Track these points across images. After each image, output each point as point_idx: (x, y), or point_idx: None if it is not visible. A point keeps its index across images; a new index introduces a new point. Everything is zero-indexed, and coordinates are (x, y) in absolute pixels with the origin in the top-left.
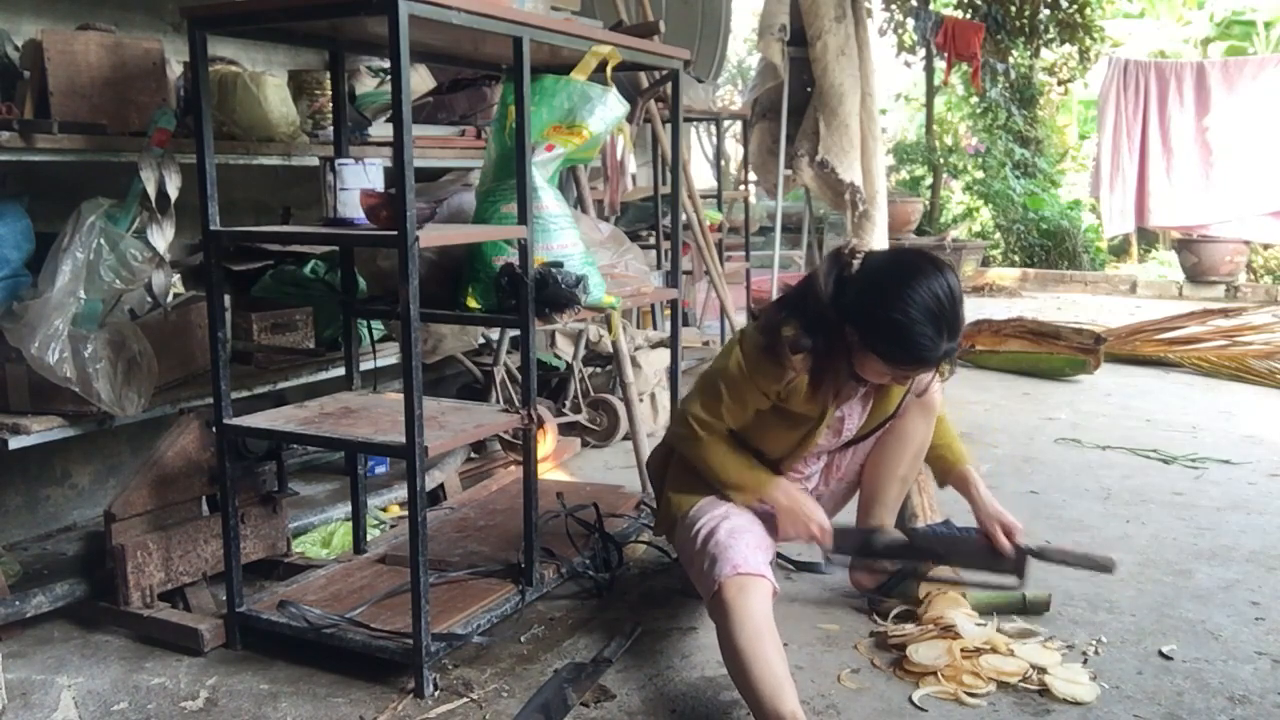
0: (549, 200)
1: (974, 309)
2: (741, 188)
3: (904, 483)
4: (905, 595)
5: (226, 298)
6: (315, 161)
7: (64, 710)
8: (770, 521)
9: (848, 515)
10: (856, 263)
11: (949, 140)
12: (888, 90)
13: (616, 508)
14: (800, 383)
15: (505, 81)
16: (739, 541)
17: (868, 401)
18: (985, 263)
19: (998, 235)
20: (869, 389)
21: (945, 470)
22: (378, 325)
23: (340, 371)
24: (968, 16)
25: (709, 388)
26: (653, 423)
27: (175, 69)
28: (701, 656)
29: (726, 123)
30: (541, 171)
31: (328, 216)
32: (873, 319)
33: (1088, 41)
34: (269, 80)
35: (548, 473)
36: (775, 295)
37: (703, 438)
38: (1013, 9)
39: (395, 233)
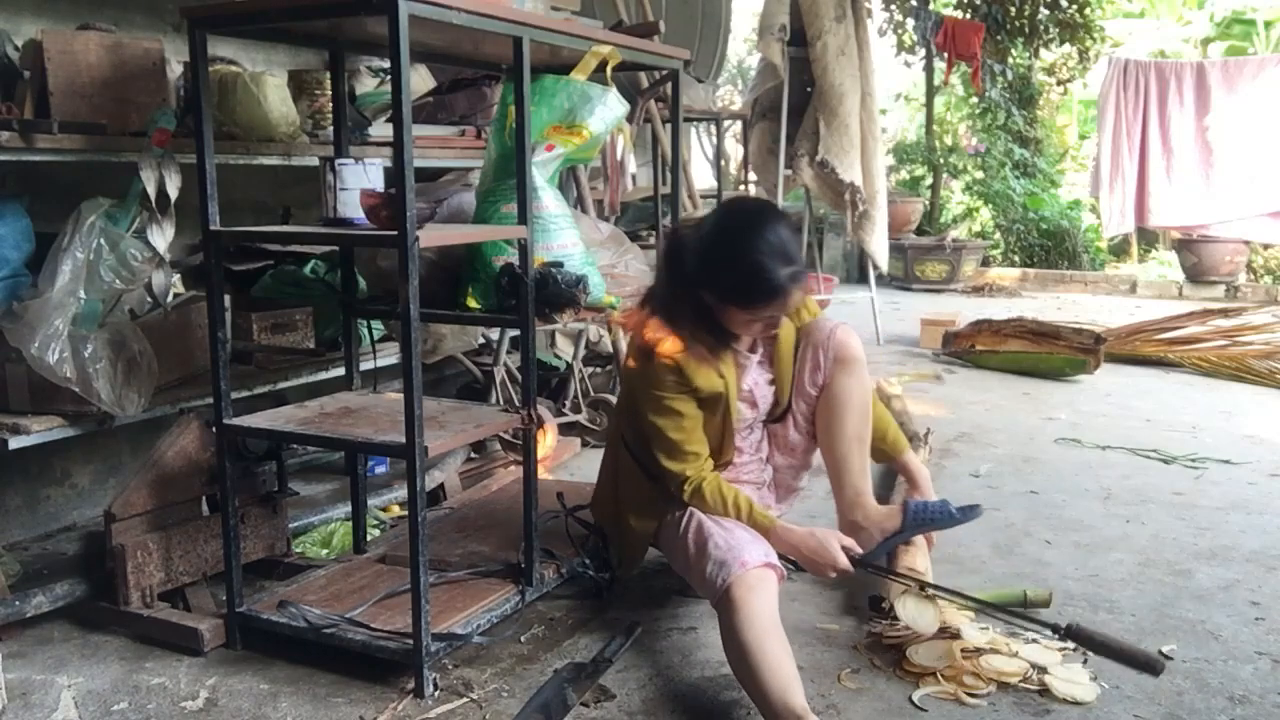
0: (549, 200)
1: (974, 309)
2: (741, 188)
3: (861, 442)
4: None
5: (226, 298)
6: (315, 161)
7: (64, 710)
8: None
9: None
10: (688, 233)
11: (949, 140)
12: (888, 90)
13: None
14: (688, 362)
15: (505, 81)
16: (736, 538)
17: (765, 369)
18: (985, 263)
19: (998, 235)
20: (762, 354)
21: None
22: (378, 325)
23: (340, 371)
24: (968, 16)
25: (651, 433)
26: None
27: (175, 69)
28: (701, 656)
29: (726, 123)
30: (541, 171)
31: (328, 216)
32: (714, 274)
33: (1088, 41)
34: (269, 80)
35: (548, 473)
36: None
37: (690, 475)
38: (1013, 9)
39: (395, 233)
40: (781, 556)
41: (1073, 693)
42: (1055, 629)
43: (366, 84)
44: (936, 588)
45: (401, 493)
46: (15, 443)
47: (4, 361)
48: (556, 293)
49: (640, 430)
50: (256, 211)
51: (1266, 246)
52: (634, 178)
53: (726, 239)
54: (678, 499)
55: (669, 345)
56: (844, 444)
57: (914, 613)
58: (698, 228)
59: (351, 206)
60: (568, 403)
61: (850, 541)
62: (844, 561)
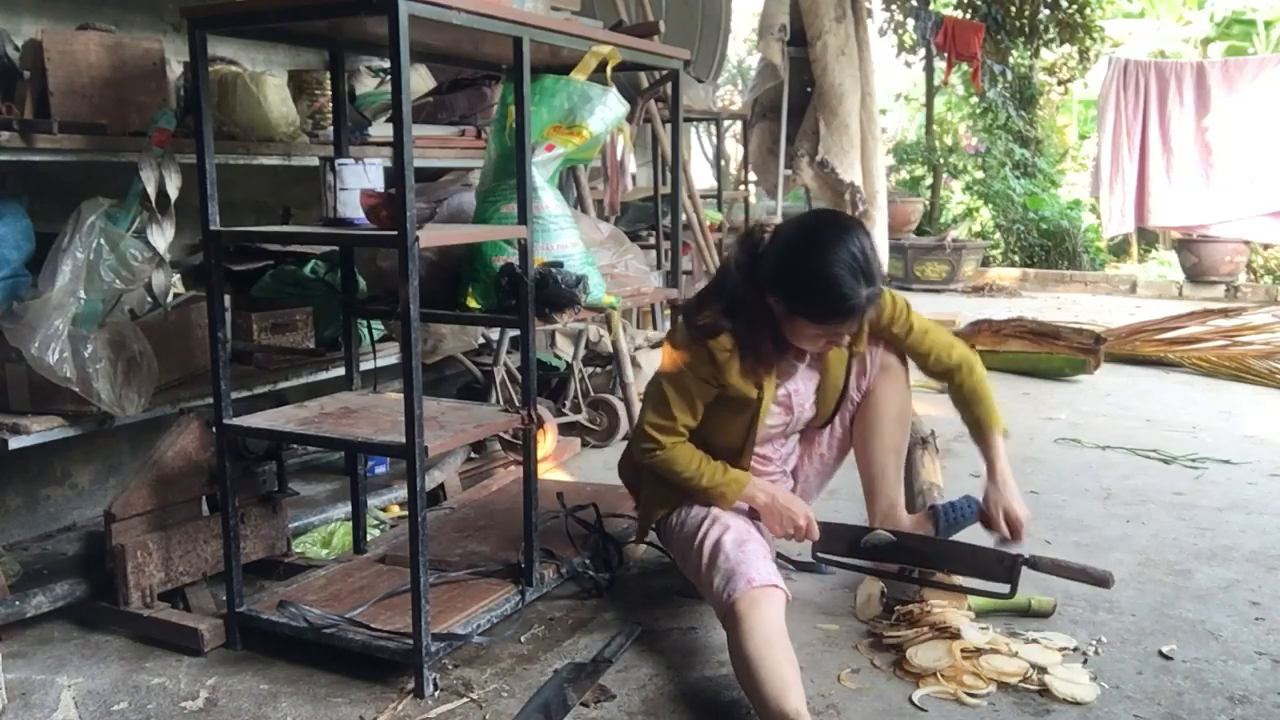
0: (549, 200)
1: (974, 309)
2: (741, 188)
3: (898, 453)
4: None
5: (226, 298)
6: (315, 161)
7: (64, 710)
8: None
9: (861, 503)
10: (767, 236)
11: (949, 140)
12: (888, 90)
13: (616, 508)
14: (732, 363)
15: (505, 81)
16: (747, 553)
17: (813, 375)
18: (985, 263)
19: (998, 235)
20: (812, 362)
21: (976, 431)
22: (378, 325)
23: (340, 371)
24: (968, 16)
25: (654, 394)
26: None
27: (175, 69)
28: (701, 656)
29: (726, 123)
30: (541, 171)
31: (328, 216)
32: (791, 281)
33: (1088, 41)
34: (269, 80)
35: (548, 473)
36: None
37: (666, 444)
38: (1013, 9)
39: (395, 233)
40: (781, 559)
41: (1073, 693)
42: (1009, 575)
43: (366, 84)
44: (926, 583)
45: (401, 493)
46: (15, 443)
47: (4, 361)
48: (556, 293)
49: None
50: (256, 211)
51: (1266, 246)
52: (634, 178)
53: (806, 247)
54: (639, 453)
55: (722, 341)
56: (882, 453)
57: (928, 657)
58: (778, 230)
59: (351, 206)
60: (568, 403)
61: (811, 521)
62: (809, 513)
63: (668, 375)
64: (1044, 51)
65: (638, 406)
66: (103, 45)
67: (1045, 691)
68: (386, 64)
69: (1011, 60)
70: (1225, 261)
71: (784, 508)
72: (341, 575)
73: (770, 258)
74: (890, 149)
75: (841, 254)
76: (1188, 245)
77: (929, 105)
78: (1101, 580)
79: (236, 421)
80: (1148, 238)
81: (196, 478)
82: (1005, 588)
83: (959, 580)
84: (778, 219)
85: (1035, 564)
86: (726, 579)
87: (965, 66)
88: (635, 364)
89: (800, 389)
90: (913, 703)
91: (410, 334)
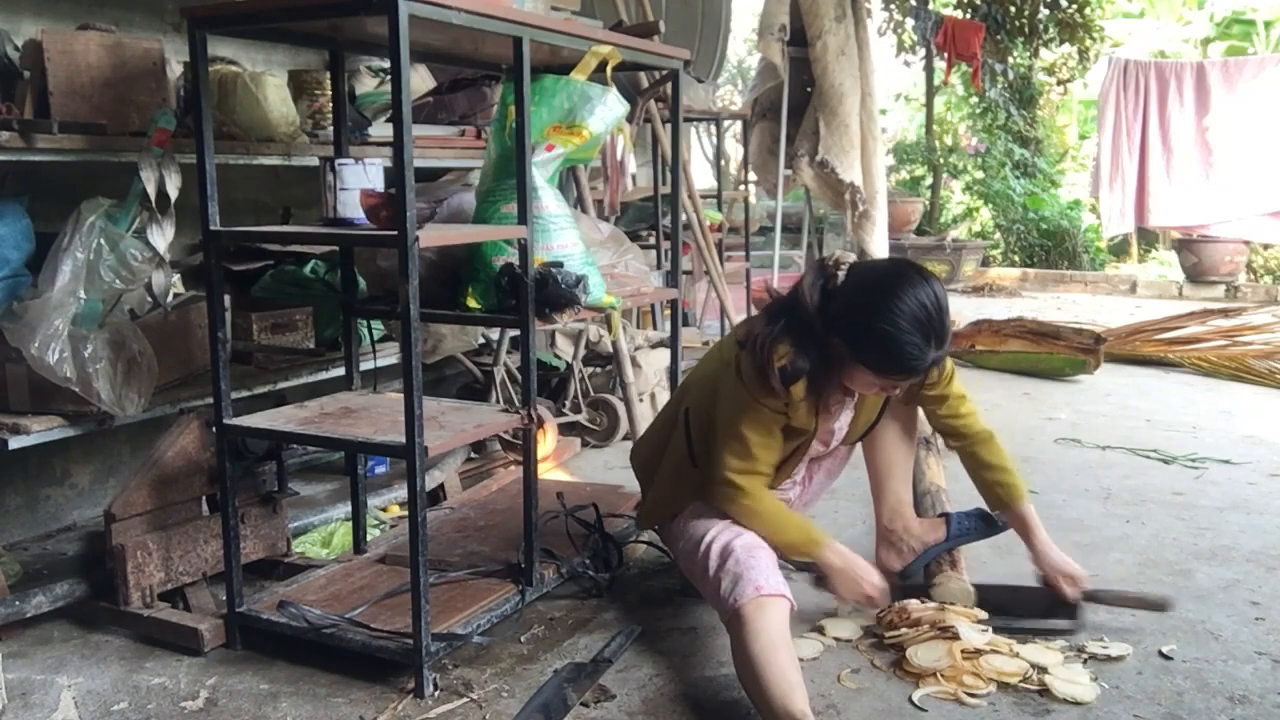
0: (549, 200)
1: (974, 309)
2: (741, 188)
3: (907, 449)
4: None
5: (226, 298)
6: (315, 161)
7: (64, 710)
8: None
9: (861, 503)
10: (841, 274)
11: (949, 140)
12: (888, 90)
13: (616, 508)
14: (799, 405)
15: (505, 81)
16: (758, 560)
17: (851, 410)
18: (985, 263)
19: (998, 235)
20: (855, 398)
21: (1000, 504)
22: (378, 325)
23: (340, 371)
24: (968, 16)
25: (731, 435)
26: None
27: (175, 69)
28: (701, 656)
29: (726, 123)
30: (541, 171)
31: (328, 216)
32: (860, 331)
33: (1087, 41)
34: (269, 80)
35: (548, 473)
36: (755, 310)
37: (746, 489)
38: (1013, 9)
39: (395, 233)
40: (791, 565)
41: (1073, 693)
42: (1073, 612)
43: (366, 84)
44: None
45: (401, 493)
46: (15, 443)
47: (4, 361)
48: (556, 293)
49: (708, 415)
50: (256, 211)
51: (1266, 246)
52: (634, 178)
53: (880, 298)
54: (718, 495)
55: (797, 389)
56: (892, 449)
57: (928, 657)
58: (853, 270)
59: (351, 206)
60: (568, 403)
61: (884, 590)
62: (880, 581)
63: (745, 415)
64: (1044, 51)
65: (637, 406)
66: (103, 45)
67: (1045, 691)
68: (386, 64)
69: (1011, 60)
70: (1225, 261)
71: (856, 574)
72: (341, 575)
73: (843, 300)
74: (890, 149)
75: (916, 311)
76: (1188, 245)
77: (929, 105)
78: (1160, 605)
79: (236, 421)
80: (1148, 238)
81: (196, 478)
82: (1070, 624)
83: (1022, 623)
84: (853, 257)
85: (1097, 597)
86: (735, 582)
87: (965, 66)
88: (635, 364)
89: (842, 424)
90: (913, 703)
91: (410, 334)
